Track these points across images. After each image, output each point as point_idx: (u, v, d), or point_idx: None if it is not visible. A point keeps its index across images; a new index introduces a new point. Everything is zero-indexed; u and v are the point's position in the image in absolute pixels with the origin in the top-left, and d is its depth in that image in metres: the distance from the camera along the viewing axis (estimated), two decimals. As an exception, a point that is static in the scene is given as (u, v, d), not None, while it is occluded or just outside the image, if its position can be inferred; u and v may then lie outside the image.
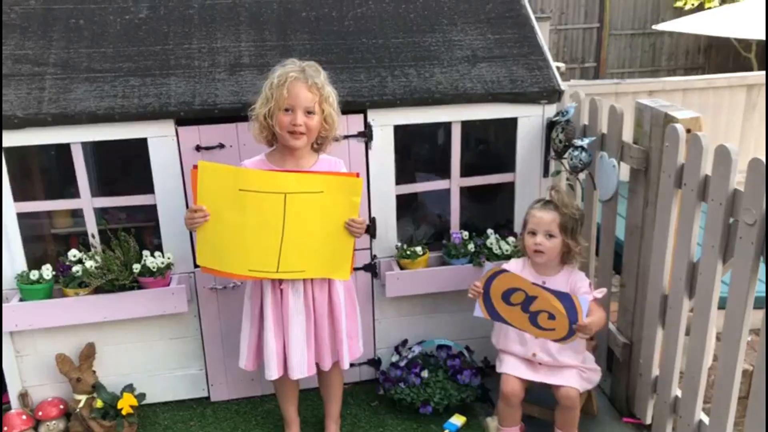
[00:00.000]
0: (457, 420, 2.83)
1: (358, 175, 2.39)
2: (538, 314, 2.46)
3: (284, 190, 2.29)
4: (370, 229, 2.88)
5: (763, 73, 5.24)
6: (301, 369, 2.48)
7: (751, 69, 9.51)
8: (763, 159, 1.94)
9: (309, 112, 2.31)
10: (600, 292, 2.55)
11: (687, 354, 2.38)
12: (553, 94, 2.83)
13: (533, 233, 2.54)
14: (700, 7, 10.26)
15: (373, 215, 2.86)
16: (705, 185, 2.20)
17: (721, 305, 2.23)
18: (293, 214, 2.32)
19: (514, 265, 2.64)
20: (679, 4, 10.64)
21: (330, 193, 2.33)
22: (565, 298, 2.41)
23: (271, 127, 2.35)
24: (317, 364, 2.55)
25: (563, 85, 2.84)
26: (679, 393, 2.48)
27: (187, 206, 2.67)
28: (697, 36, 10.48)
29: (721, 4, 9.80)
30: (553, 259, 2.56)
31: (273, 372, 2.48)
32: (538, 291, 2.45)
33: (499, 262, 2.82)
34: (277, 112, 2.31)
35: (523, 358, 2.59)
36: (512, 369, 2.57)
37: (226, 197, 2.30)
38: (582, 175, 2.85)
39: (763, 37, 5.87)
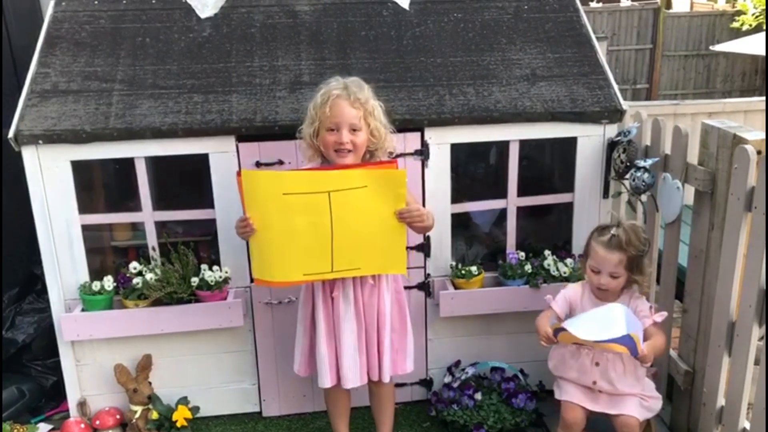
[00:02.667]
0: (511, 445, 2.77)
1: (396, 164, 2.31)
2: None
3: (327, 188, 2.24)
4: (425, 248, 2.86)
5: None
6: (354, 378, 2.46)
7: (812, 91, 9.25)
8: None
9: (354, 129, 2.30)
10: (660, 316, 2.45)
11: (757, 384, 2.28)
12: (615, 114, 2.78)
13: (597, 272, 2.46)
14: (758, 28, 10.04)
15: (427, 233, 2.84)
16: (778, 209, 2.12)
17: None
18: (340, 212, 2.27)
19: (573, 291, 2.57)
20: (735, 24, 10.44)
21: (374, 187, 2.27)
22: (625, 340, 2.29)
23: (317, 146, 2.35)
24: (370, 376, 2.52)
25: (625, 104, 2.80)
26: (747, 425, 2.38)
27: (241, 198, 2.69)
28: (754, 57, 10.23)
29: (780, 25, 9.56)
30: (616, 292, 2.51)
31: (326, 380, 2.47)
32: (600, 345, 2.34)
33: (557, 285, 2.78)
34: (322, 132, 2.31)
35: (583, 386, 2.52)
36: (574, 397, 2.51)
37: (271, 203, 2.28)
38: (644, 197, 2.78)
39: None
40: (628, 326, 2.31)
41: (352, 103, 2.28)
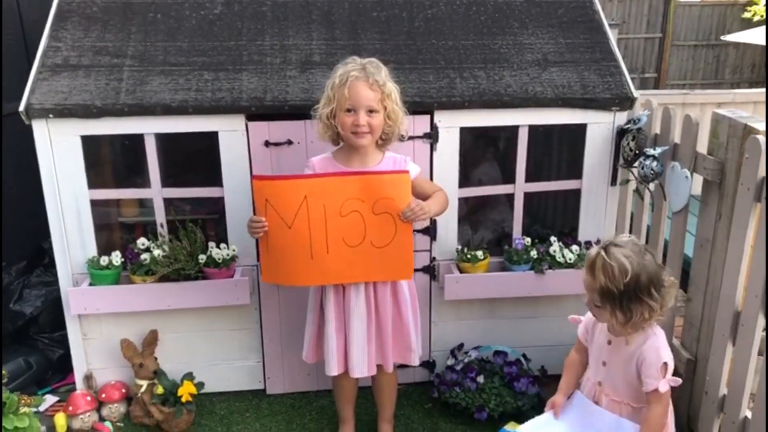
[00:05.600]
0: (513, 427, 2.78)
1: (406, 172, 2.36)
2: None
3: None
4: (431, 231, 2.87)
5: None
6: (361, 369, 2.48)
7: (821, 84, 9.17)
8: None
9: (371, 111, 2.30)
10: (674, 382, 2.04)
11: (759, 374, 2.30)
12: (626, 102, 2.77)
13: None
14: (769, 19, 9.94)
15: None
16: (787, 200, 2.13)
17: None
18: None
19: (590, 316, 2.24)
20: (747, 15, 10.34)
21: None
22: None
23: (335, 127, 2.36)
24: (379, 365, 2.54)
25: (636, 92, 2.79)
26: (749, 414, 2.40)
27: (254, 201, 2.71)
28: (764, 49, 10.15)
29: (792, 16, 9.48)
30: (612, 323, 2.07)
31: (333, 368, 2.49)
32: None
33: (563, 271, 2.80)
34: (339, 113, 2.31)
35: None
36: None
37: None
38: (651, 186, 2.78)
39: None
40: None
41: (371, 86, 2.28)
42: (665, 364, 2.00)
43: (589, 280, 2.04)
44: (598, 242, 2.85)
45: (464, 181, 2.88)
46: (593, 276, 2.01)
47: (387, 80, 2.34)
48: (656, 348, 2.03)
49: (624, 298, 1.96)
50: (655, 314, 1.99)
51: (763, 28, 8.69)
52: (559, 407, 2.29)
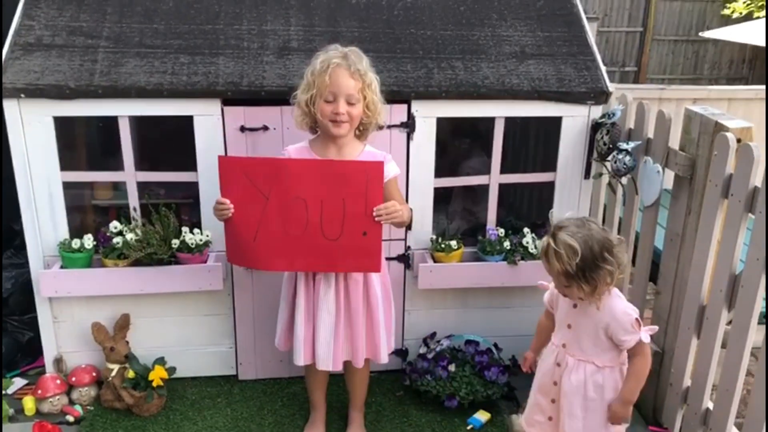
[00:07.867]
0: (482, 416, 2.83)
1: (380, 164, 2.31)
2: None
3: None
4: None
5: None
6: (326, 362, 2.47)
7: (796, 82, 9.27)
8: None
9: (351, 100, 2.28)
10: (651, 330, 2.16)
11: (722, 366, 2.35)
12: (601, 96, 2.79)
13: None
14: (748, 16, 10.05)
15: (410, 206, 2.85)
16: (754, 197, 2.17)
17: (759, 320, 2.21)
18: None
19: (552, 286, 2.34)
20: (726, 12, 10.44)
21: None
22: None
23: (313, 114, 2.33)
24: (349, 361, 2.55)
25: (611, 86, 2.81)
26: (710, 405, 2.45)
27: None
28: (743, 46, 10.27)
29: (770, 15, 9.56)
30: (580, 296, 2.15)
31: (300, 358, 2.50)
32: None
33: (535, 263, 2.82)
34: (318, 100, 2.28)
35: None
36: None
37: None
38: (624, 180, 2.82)
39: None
40: None
41: (352, 74, 2.26)
42: (636, 319, 2.13)
43: (548, 268, 2.15)
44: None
45: (441, 171, 2.89)
46: (549, 264, 2.12)
47: (368, 70, 2.32)
48: (621, 308, 2.14)
49: (585, 271, 2.06)
50: (616, 275, 2.09)
51: (742, 25, 8.77)
52: (530, 361, 2.48)
